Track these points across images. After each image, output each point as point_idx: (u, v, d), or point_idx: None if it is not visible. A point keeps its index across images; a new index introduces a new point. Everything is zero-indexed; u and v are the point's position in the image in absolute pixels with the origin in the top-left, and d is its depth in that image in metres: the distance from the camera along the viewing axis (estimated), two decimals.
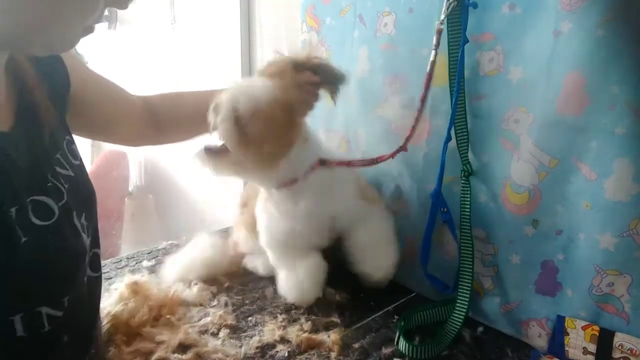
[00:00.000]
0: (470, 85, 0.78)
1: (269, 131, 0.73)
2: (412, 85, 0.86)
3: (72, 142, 0.64)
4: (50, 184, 0.54)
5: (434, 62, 0.77)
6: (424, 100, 0.78)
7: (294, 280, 0.88)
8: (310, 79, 0.77)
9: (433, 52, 0.76)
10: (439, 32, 0.75)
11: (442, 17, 0.74)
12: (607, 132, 0.65)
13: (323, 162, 0.81)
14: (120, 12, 1.93)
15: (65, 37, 0.50)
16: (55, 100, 0.62)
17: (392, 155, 0.81)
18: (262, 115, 0.71)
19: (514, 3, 0.71)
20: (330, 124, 1.05)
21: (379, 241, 0.89)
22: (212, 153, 0.77)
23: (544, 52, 0.69)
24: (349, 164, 0.84)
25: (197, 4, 1.60)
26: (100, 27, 1.97)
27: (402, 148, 0.81)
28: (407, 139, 0.80)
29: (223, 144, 0.75)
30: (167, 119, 0.88)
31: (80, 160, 0.64)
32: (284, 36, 1.21)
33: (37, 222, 0.50)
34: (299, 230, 0.85)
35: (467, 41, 0.74)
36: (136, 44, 1.99)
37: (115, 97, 0.80)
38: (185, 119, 0.89)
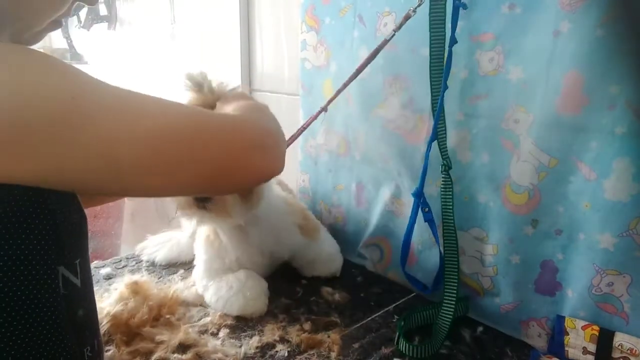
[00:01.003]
0: (470, 86, 0.78)
1: None
2: (412, 85, 0.86)
3: None
4: None
5: (387, 41, 0.82)
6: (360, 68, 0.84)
7: (234, 288, 0.86)
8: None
9: (393, 32, 0.81)
10: (407, 18, 0.79)
11: (416, 4, 0.77)
12: (607, 132, 0.65)
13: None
14: (120, 13, 1.93)
15: (33, 29, 0.50)
16: None
17: (314, 118, 0.91)
18: None
19: (513, 3, 0.71)
20: (330, 124, 1.05)
21: (324, 255, 0.99)
22: (201, 206, 0.76)
23: (543, 52, 0.69)
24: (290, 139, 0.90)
25: (197, 4, 1.60)
26: (100, 27, 1.97)
27: (323, 109, 0.89)
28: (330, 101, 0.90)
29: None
30: None
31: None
32: (284, 36, 1.21)
33: None
34: (247, 258, 0.90)
35: (456, 42, 0.75)
36: (136, 44, 1.99)
37: None
38: None
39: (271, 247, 0.91)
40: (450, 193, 0.79)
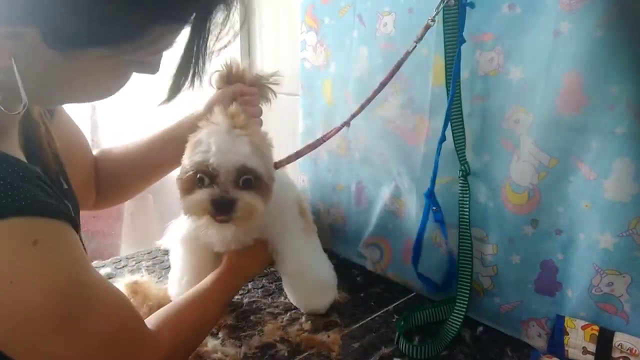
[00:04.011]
0: (470, 86, 0.78)
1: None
2: (412, 85, 0.86)
3: (62, 169, 0.63)
4: None
5: (409, 53, 0.77)
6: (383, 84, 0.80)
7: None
8: (247, 90, 0.78)
9: (414, 43, 0.76)
10: (427, 28, 0.76)
11: (434, 14, 0.75)
12: (607, 132, 0.65)
13: (277, 165, 0.77)
14: None
15: (90, 100, 0.53)
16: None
17: (337, 131, 0.82)
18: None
19: (513, 3, 0.71)
20: (330, 124, 1.05)
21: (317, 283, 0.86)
22: (225, 219, 0.69)
23: (543, 52, 0.68)
24: (297, 155, 0.81)
25: None
26: None
27: (345, 123, 0.83)
28: (353, 115, 0.83)
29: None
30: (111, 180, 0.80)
31: (69, 185, 0.63)
32: (283, 36, 1.21)
33: None
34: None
35: (464, 41, 0.74)
36: None
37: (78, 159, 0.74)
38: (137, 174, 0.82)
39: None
40: (468, 198, 0.79)
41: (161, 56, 0.52)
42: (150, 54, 0.49)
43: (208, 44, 0.48)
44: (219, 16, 0.47)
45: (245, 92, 0.78)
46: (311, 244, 0.88)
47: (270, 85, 0.83)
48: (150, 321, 0.59)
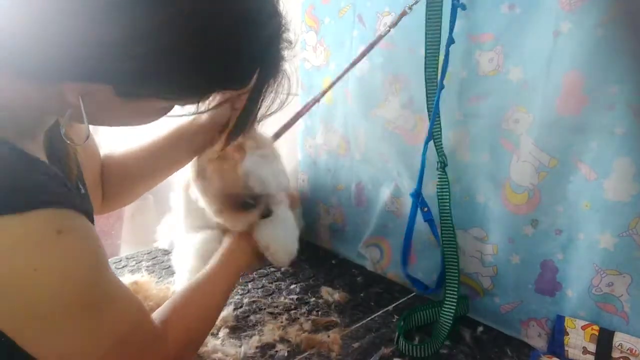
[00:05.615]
0: (470, 86, 0.78)
1: None
2: (412, 85, 0.86)
3: (81, 174, 0.64)
4: None
5: (381, 37, 0.82)
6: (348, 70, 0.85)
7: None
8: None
9: (388, 28, 0.81)
10: (402, 14, 0.79)
11: (412, 3, 0.77)
12: (607, 132, 0.65)
13: (277, 136, 0.86)
14: None
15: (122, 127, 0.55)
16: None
17: (309, 108, 0.89)
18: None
19: (513, 3, 0.71)
20: (330, 124, 1.05)
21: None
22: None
23: (543, 52, 0.68)
24: (292, 121, 0.88)
25: None
26: None
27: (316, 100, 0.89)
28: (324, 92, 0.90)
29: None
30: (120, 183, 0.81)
31: (85, 189, 0.64)
32: None
33: None
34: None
35: (453, 42, 0.74)
36: None
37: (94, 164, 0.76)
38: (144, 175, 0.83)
39: None
40: (447, 191, 0.79)
41: None
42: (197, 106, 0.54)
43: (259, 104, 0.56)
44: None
45: (242, 92, 0.80)
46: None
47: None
48: (157, 316, 0.58)
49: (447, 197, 0.79)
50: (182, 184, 0.86)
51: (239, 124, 0.58)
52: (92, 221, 0.61)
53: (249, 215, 0.77)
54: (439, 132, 0.80)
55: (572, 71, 0.66)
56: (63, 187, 0.47)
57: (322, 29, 1.02)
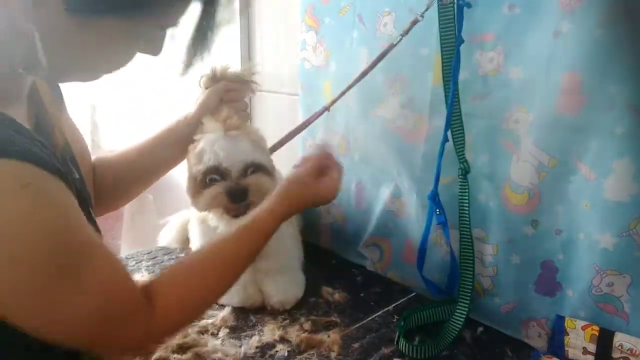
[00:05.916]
0: (470, 86, 0.78)
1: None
2: (412, 85, 0.86)
3: (74, 159, 0.63)
4: None
5: (393, 45, 0.81)
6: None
7: None
8: (231, 86, 0.81)
9: (399, 37, 0.80)
10: (414, 22, 0.78)
11: (423, 10, 0.76)
12: (607, 132, 0.65)
13: (274, 149, 0.87)
14: None
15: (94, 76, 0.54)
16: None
17: (318, 116, 0.90)
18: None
19: (514, 3, 0.71)
20: (329, 124, 1.05)
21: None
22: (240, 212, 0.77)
23: (543, 52, 0.68)
24: (291, 134, 0.90)
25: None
26: None
27: (326, 108, 0.89)
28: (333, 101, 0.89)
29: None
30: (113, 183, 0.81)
31: (80, 175, 0.63)
32: (283, 36, 1.21)
33: None
34: None
35: (463, 41, 0.74)
36: None
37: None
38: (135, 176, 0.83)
39: None
40: (467, 197, 0.78)
41: (165, 35, 0.54)
42: (158, 27, 0.52)
43: (216, 15, 0.52)
44: None
45: (229, 88, 0.82)
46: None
47: (251, 78, 0.86)
48: (150, 281, 0.56)
49: (467, 203, 0.78)
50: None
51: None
52: (89, 207, 0.61)
53: (211, 189, 0.75)
54: (462, 139, 0.78)
55: (572, 71, 0.66)
56: (41, 149, 0.44)
57: (322, 29, 1.02)
